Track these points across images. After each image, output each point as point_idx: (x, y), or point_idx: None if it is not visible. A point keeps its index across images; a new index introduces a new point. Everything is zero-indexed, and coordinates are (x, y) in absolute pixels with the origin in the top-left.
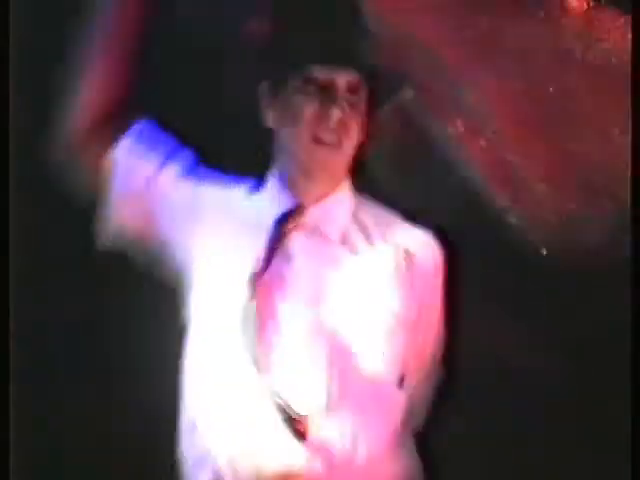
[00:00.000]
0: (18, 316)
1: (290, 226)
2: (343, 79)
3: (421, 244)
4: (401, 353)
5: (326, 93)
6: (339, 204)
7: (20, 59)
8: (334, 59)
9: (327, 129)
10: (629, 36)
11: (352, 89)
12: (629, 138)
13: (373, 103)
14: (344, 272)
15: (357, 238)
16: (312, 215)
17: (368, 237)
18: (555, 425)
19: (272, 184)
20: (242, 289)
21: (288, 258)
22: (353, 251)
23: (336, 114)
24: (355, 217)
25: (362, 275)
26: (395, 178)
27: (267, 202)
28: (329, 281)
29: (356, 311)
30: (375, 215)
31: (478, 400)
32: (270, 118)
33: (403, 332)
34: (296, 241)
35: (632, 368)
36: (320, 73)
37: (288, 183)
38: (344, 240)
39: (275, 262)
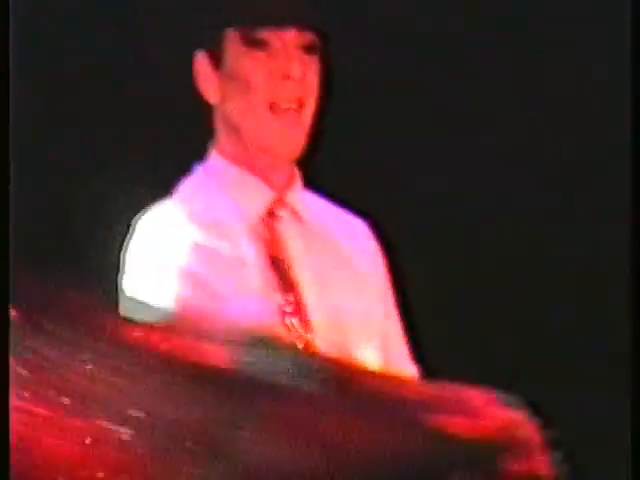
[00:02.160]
0: None
1: (274, 222)
2: (295, 37)
3: (364, 235)
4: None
5: (279, 52)
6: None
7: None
8: (280, 18)
9: (284, 91)
10: None
11: (308, 48)
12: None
13: (328, 70)
14: (337, 263)
15: (331, 225)
16: (290, 203)
17: (334, 224)
18: None
19: (224, 172)
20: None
21: (282, 255)
22: (334, 239)
23: (297, 69)
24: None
25: (350, 262)
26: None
27: (227, 200)
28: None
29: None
30: (319, 202)
31: None
32: (211, 92)
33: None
34: (286, 237)
35: (632, 371)
36: (265, 33)
37: (247, 167)
38: (323, 228)
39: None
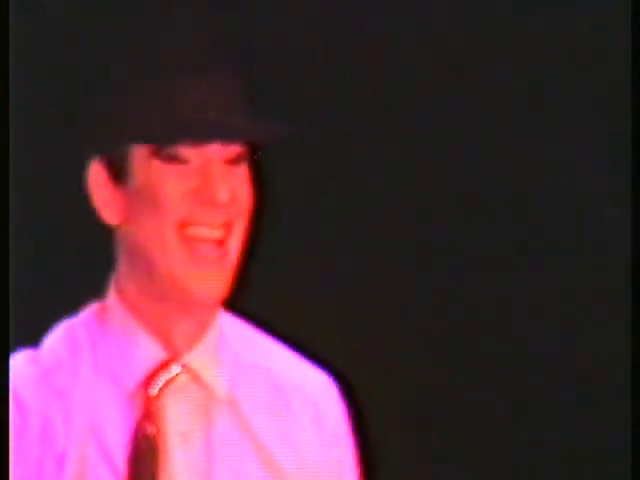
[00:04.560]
0: None
1: (156, 390)
2: (220, 151)
3: (323, 391)
4: None
5: (199, 170)
6: (224, 339)
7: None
8: (203, 133)
9: (205, 219)
10: None
11: (234, 159)
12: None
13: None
14: (242, 449)
15: (249, 391)
16: (189, 365)
17: (258, 386)
18: None
19: (115, 320)
20: None
21: (159, 442)
22: (251, 413)
23: (223, 192)
24: (236, 355)
25: (268, 445)
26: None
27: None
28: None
29: None
30: (253, 349)
31: None
32: (110, 211)
33: None
34: (167, 414)
35: (632, 375)
36: (182, 148)
37: (138, 313)
38: (233, 399)
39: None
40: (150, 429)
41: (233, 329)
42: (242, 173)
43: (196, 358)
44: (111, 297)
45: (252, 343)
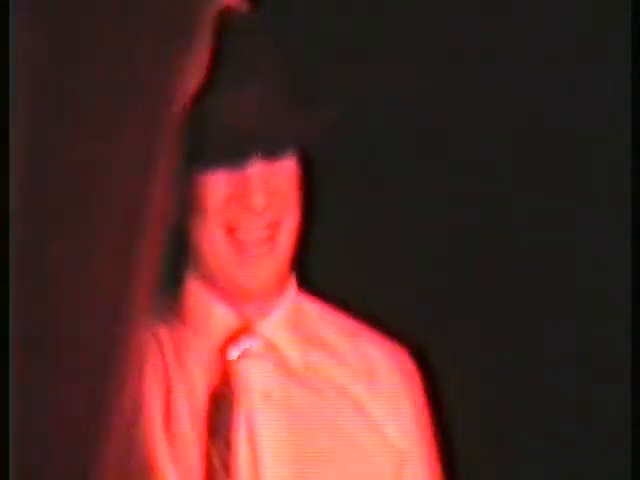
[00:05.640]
0: None
1: (235, 354)
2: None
3: (403, 359)
4: None
5: (238, 176)
6: (294, 312)
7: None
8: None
9: (247, 223)
10: None
11: (274, 154)
12: None
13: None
14: (316, 414)
15: (323, 360)
16: (263, 333)
17: (334, 356)
18: None
19: (191, 294)
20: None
21: (242, 400)
22: (325, 382)
23: (259, 200)
24: (311, 328)
25: (338, 412)
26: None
27: (194, 321)
28: (301, 430)
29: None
30: (331, 322)
31: None
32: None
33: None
34: (247, 376)
35: (632, 375)
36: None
37: (211, 289)
38: (309, 365)
39: (224, 409)
40: (224, 390)
41: (308, 301)
42: (286, 166)
43: (270, 326)
44: (189, 279)
45: (330, 312)
